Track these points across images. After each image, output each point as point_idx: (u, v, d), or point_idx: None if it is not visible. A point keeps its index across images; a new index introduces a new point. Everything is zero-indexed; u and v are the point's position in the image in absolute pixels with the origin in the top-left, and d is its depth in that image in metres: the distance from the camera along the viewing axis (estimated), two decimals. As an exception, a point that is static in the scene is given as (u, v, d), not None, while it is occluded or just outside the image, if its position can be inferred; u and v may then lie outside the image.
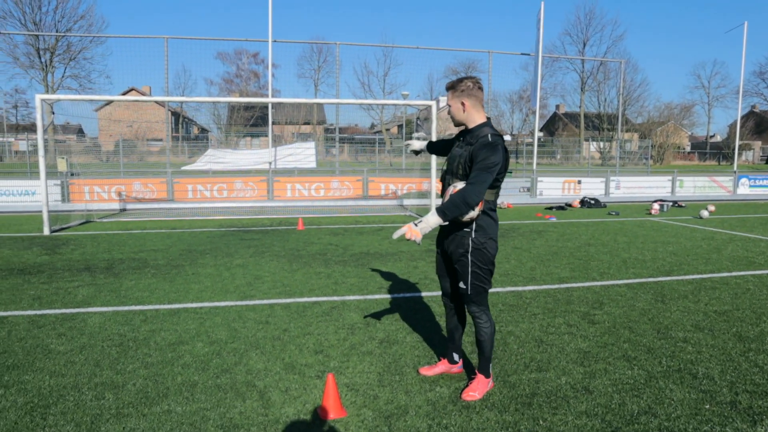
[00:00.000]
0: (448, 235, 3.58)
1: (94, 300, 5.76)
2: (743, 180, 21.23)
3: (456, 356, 3.92)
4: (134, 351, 4.32)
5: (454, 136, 3.83)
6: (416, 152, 4.25)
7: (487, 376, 3.63)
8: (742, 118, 69.03)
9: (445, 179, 3.57)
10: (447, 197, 3.35)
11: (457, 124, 3.62)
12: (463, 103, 3.51)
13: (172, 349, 4.35)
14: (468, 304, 3.56)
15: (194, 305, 5.61)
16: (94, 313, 5.32)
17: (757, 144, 76.36)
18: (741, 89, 24.45)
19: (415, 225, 3.24)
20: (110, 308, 5.47)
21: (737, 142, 24.04)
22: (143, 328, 4.86)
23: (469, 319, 4.48)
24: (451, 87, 3.56)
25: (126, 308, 5.48)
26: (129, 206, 15.34)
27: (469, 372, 3.95)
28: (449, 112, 3.61)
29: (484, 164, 3.28)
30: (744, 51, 22.51)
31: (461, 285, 3.53)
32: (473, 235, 3.43)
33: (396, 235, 3.26)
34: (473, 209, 3.30)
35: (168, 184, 16.34)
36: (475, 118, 3.52)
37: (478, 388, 3.57)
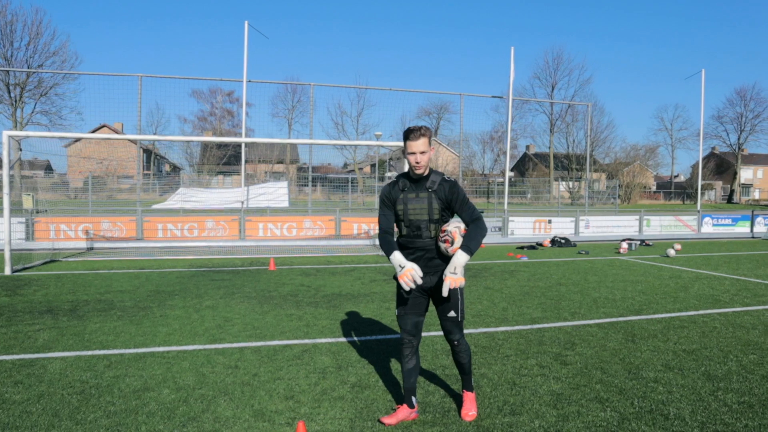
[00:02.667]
0: (429, 272, 3.73)
1: (56, 344, 5.56)
2: (707, 219, 21.83)
3: (414, 400, 3.86)
4: (96, 399, 4.16)
5: (389, 190, 3.78)
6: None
7: (472, 390, 4.00)
8: (704, 159, 71.45)
9: (419, 227, 3.69)
10: (456, 239, 3.59)
11: (417, 173, 3.66)
12: (430, 151, 3.70)
13: (136, 396, 4.20)
14: (454, 331, 3.79)
15: (161, 349, 5.45)
16: (55, 358, 5.13)
17: (719, 184, 78.97)
18: (701, 132, 25.39)
19: (454, 273, 3.51)
20: (73, 353, 5.28)
21: (700, 183, 24.80)
22: (107, 374, 4.70)
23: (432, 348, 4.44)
24: (428, 134, 3.67)
25: (89, 353, 5.29)
26: (96, 245, 15.00)
27: (456, 397, 3.89)
28: (418, 161, 3.61)
29: (467, 199, 3.68)
30: (703, 96, 23.48)
31: (451, 314, 3.75)
32: None
33: (446, 292, 3.51)
34: None
35: (137, 223, 16.07)
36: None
37: (473, 405, 3.94)
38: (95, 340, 5.74)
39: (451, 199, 3.67)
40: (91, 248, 14.73)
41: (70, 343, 5.60)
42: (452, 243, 3.60)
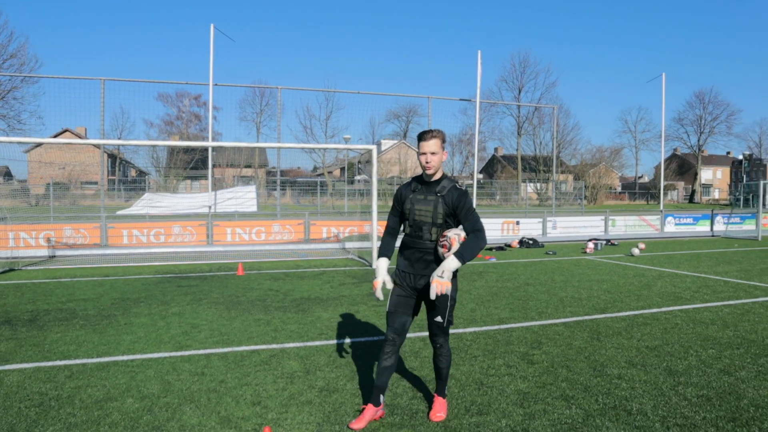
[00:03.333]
0: (426, 274, 3.80)
1: (14, 356, 5.39)
2: (669, 218, 22.39)
3: (381, 398, 3.87)
4: (56, 411, 4.05)
5: (402, 189, 3.95)
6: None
7: (445, 396, 4.01)
8: (666, 160, 73.41)
9: (421, 228, 3.78)
10: (454, 245, 3.64)
11: (428, 173, 3.78)
12: (443, 153, 3.79)
13: (99, 407, 4.11)
14: (439, 335, 3.85)
15: (125, 358, 5.33)
16: (12, 370, 4.97)
17: (680, 184, 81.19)
18: (663, 134, 26.08)
19: (441, 277, 3.56)
20: (31, 364, 5.13)
21: (662, 183, 25.43)
22: (68, 385, 4.57)
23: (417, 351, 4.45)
24: (440, 136, 3.78)
25: (49, 364, 5.15)
26: (58, 253, 14.60)
27: (424, 399, 3.90)
28: (428, 161, 3.73)
29: (472, 210, 3.77)
30: (663, 99, 24.12)
31: (438, 319, 3.82)
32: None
33: (433, 296, 3.56)
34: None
35: (102, 229, 15.70)
36: (440, 169, 3.84)
37: (443, 409, 3.95)
38: (56, 350, 5.59)
39: (457, 207, 3.75)
40: (53, 256, 14.34)
41: (29, 354, 5.43)
42: (449, 249, 3.65)
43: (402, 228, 3.98)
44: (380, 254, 4.01)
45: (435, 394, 4.05)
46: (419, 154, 3.81)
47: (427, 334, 4.26)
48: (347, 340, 5.98)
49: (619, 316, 7.08)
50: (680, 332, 6.26)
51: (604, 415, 3.95)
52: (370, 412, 3.82)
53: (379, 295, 3.89)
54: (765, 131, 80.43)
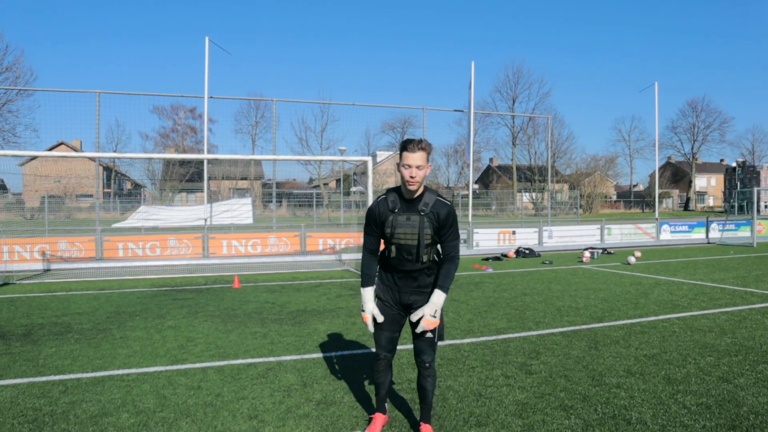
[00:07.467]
0: (412, 290, 3.60)
1: (7, 371, 5.33)
2: (665, 226, 22.44)
3: (386, 406, 3.88)
4: (50, 427, 4.00)
5: (378, 208, 3.52)
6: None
7: (430, 422, 3.75)
8: (660, 168, 73.73)
9: (409, 251, 3.46)
10: (444, 272, 3.51)
11: (411, 189, 3.37)
12: (427, 167, 3.42)
13: (93, 422, 4.06)
14: (427, 353, 3.59)
15: (121, 372, 5.28)
16: (5, 386, 4.91)
17: (675, 192, 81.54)
18: (657, 142, 26.21)
19: (433, 316, 3.45)
20: (25, 379, 5.07)
21: (657, 191, 25.53)
22: (62, 400, 4.52)
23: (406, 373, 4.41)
24: (428, 149, 3.38)
25: (44, 378, 5.10)
26: (53, 266, 14.51)
27: (408, 420, 3.87)
28: (413, 176, 3.32)
29: (457, 232, 3.52)
30: (657, 108, 24.23)
31: (428, 335, 3.57)
32: None
33: (420, 330, 3.48)
34: None
35: (97, 242, 15.63)
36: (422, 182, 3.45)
37: None
38: (50, 365, 5.53)
39: (443, 225, 3.43)
40: (48, 270, 14.26)
41: (23, 369, 5.38)
42: None
43: (385, 252, 3.62)
44: (364, 282, 3.63)
45: (421, 422, 3.75)
46: (402, 165, 3.34)
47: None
48: (344, 353, 5.95)
49: (616, 325, 7.07)
50: (678, 340, 6.25)
51: (604, 425, 3.92)
52: (381, 420, 3.82)
53: (372, 329, 3.64)
54: (757, 138, 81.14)
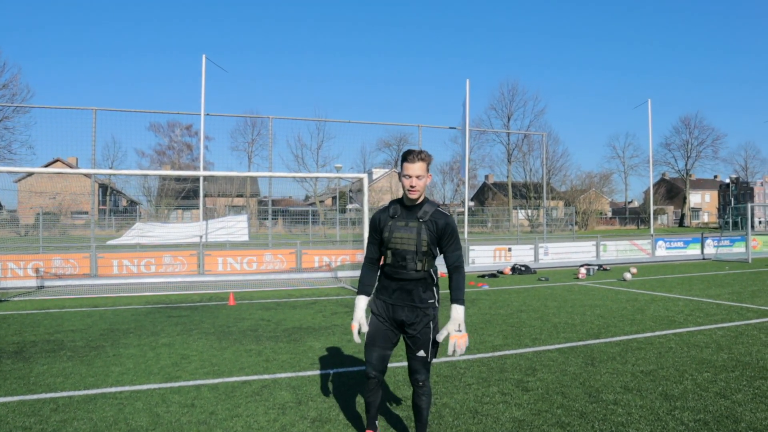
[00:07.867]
0: (406, 306, 3.55)
1: (-1, 389, 5.27)
2: (660, 242, 22.50)
3: (376, 423, 3.82)
4: (41, 445, 3.94)
5: (379, 215, 3.64)
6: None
7: None
8: (655, 185, 74.21)
9: (405, 257, 3.49)
10: (455, 284, 3.51)
11: (411, 198, 3.48)
12: (428, 177, 3.52)
13: (84, 441, 4.00)
14: (420, 372, 3.56)
15: (113, 390, 5.22)
16: (-3, 404, 4.85)
17: (670, 208, 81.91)
18: (651, 159, 26.40)
19: (458, 331, 3.43)
20: (15, 397, 5.01)
21: (652, 208, 25.64)
22: (53, 419, 4.46)
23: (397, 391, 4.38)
24: (428, 159, 3.49)
25: (34, 396, 5.03)
26: (47, 283, 14.42)
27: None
28: (413, 185, 3.44)
29: (458, 240, 3.55)
30: (650, 125, 24.43)
31: (421, 353, 3.55)
32: (437, 305, 3.62)
33: (451, 350, 3.43)
34: None
35: (92, 259, 15.55)
36: (423, 192, 3.55)
37: None
38: (41, 382, 5.47)
39: (443, 235, 3.49)
40: (42, 287, 14.16)
41: (13, 387, 5.31)
42: None
43: (382, 259, 3.64)
44: (359, 290, 3.70)
45: None
46: (403, 175, 3.47)
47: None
48: (340, 370, 5.90)
49: (613, 341, 7.04)
50: (675, 356, 6.23)
51: (601, 442, 3.89)
52: None
53: (357, 339, 3.63)
54: (750, 154, 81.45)
